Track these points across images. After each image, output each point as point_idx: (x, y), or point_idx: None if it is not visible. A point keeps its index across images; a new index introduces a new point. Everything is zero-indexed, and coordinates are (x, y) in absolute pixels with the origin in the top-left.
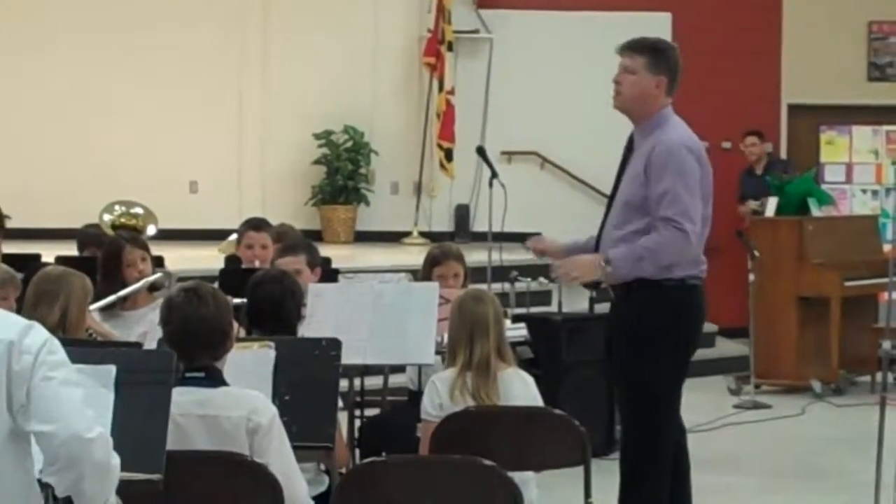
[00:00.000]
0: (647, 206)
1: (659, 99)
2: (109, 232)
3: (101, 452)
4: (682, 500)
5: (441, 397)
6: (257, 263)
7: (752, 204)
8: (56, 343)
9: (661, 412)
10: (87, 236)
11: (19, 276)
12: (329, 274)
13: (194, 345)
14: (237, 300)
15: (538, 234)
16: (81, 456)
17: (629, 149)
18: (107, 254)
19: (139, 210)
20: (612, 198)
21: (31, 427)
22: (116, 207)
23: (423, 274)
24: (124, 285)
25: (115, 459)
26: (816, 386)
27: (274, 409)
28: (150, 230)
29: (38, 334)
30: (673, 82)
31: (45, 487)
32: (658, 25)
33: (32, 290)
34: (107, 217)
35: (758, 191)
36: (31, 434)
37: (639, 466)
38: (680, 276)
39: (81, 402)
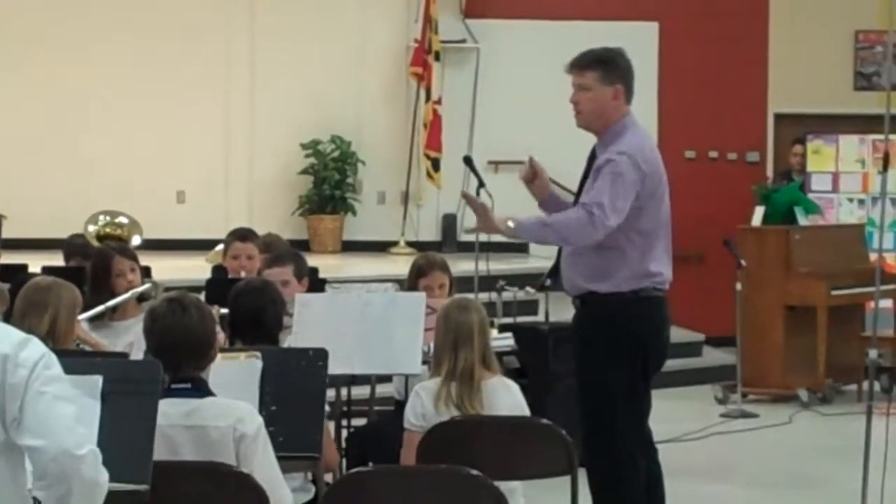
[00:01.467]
0: None
1: (619, 109)
2: (94, 242)
3: (90, 469)
4: None
5: (425, 407)
6: (243, 274)
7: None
8: (53, 358)
9: (616, 423)
10: (73, 246)
11: (6, 286)
12: (316, 284)
13: (178, 355)
14: (224, 310)
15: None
16: (70, 472)
17: (591, 160)
18: (96, 264)
19: (124, 220)
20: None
21: (23, 441)
22: (101, 217)
23: (408, 284)
24: (113, 295)
25: (104, 476)
26: (803, 395)
27: (260, 419)
28: (135, 240)
29: (35, 348)
30: (629, 89)
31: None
32: (645, 35)
33: (21, 301)
34: (91, 228)
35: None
36: (23, 448)
37: (603, 482)
38: (627, 289)
39: (73, 419)
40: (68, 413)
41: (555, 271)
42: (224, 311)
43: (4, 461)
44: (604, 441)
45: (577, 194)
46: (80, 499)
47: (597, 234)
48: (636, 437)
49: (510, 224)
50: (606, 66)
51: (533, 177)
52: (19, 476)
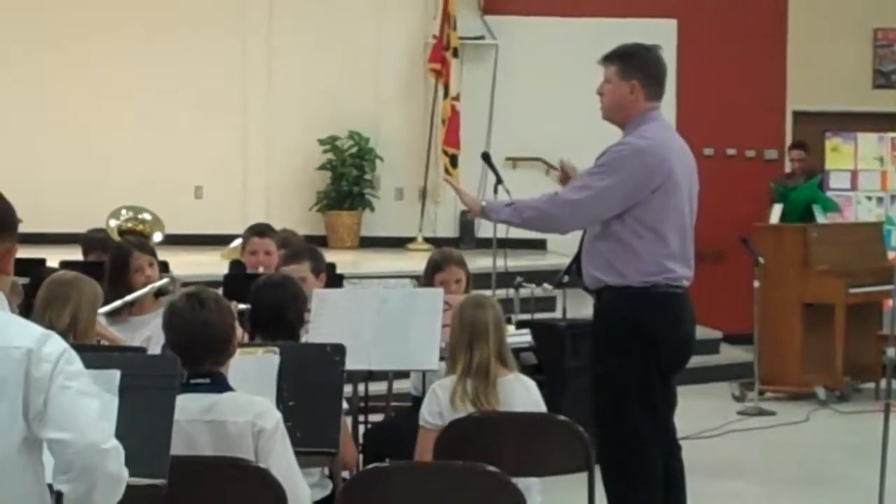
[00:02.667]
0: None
1: (637, 104)
2: (116, 237)
3: (114, 464)
4: None
5: (441, 405)
6: (261, 269)
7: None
8: (73, 353)
9: (629, 419)
10: (92, 241)
11: (23, 280)
12: (334, 279)
13: (197, 350)
14: (242, 305)
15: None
16: (96, 466)
17: None
18: (114, 259)
19: (147, 216)
20: None
21: (46, 434)
22: (123, 212)
23: (424, 280)
24: (131, 290)
25: (126, 472)
26: (821, 393)
27: (278, 415)
28: (157, 237)
29: (57, 343)
30: (651, 85)
31: (53, 494)
32: (663, 32)
33: (44, 293)
34: (113, 222)
35: None
36: (43, 442)
37: (617, 480)
38: (639, 283)
39: (98, 413)
40: (93, 407)
41: (572, 268)
42: (242, 306)
43: (26, 455)
44: (615, 438)
45: None
46: (104, 493)
47: (558, 226)
48: (651, 435)
49: (483, 204)
50: (626, 60)
51: (566, 179)
52: (39, 471)
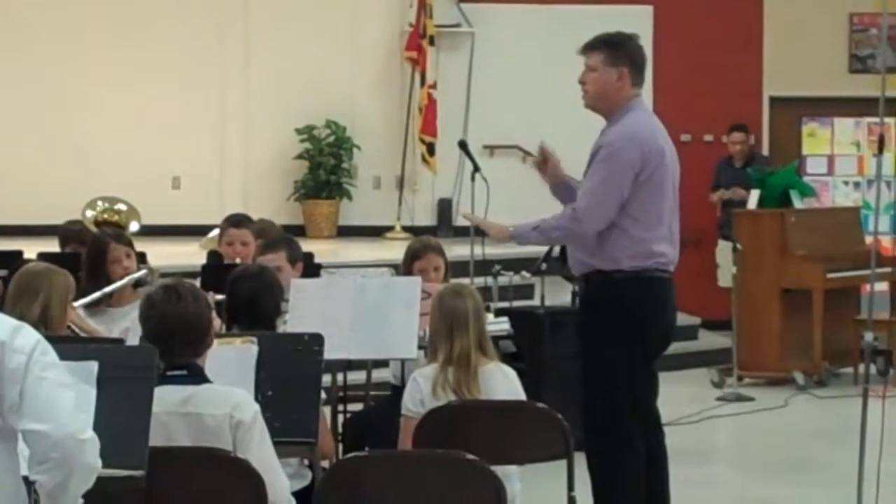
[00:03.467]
0: None
1: (623, 91)
2: (92, 228)
3: (91, 454)
4: (661, 492)
5: (423, 393)
6: (238, 260)
7: (725, 193)
8: (47, 344)
9: (616, 404)
10: (68, 233)
11: (1, 273)
12: (312, 269)
13: (174, 341)
14: (219, 297)
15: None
16: (73, 456)
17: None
18: (92, 250)
19: (122, 206)
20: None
21: (23, 426)
22: (99, 203)
23: (403, 268)
24: (109, 282)
25: (100, 462)
26: (799, 378)
27: (256, 406)
28: (133, 226)
29: (29, 334)
30: (636, 72)
31: (27, 485)
32: (639, 18)
33: (13, 287)
34: (90, 213)
35: (737, 182)
36: (18, 433)
37: (602, 464)
38: (629, 267)
39: (74, 404)
40: (69, 398)
41: (551, 255)
42: (219, 297)
43: (3, 447)
44: (603, 422)
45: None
46: (79, 483)
47: (585, 236)
48: (634, 419)
49: (510, 230)
50: (613, 48)
51: (544, 164)
52: (14, 462)
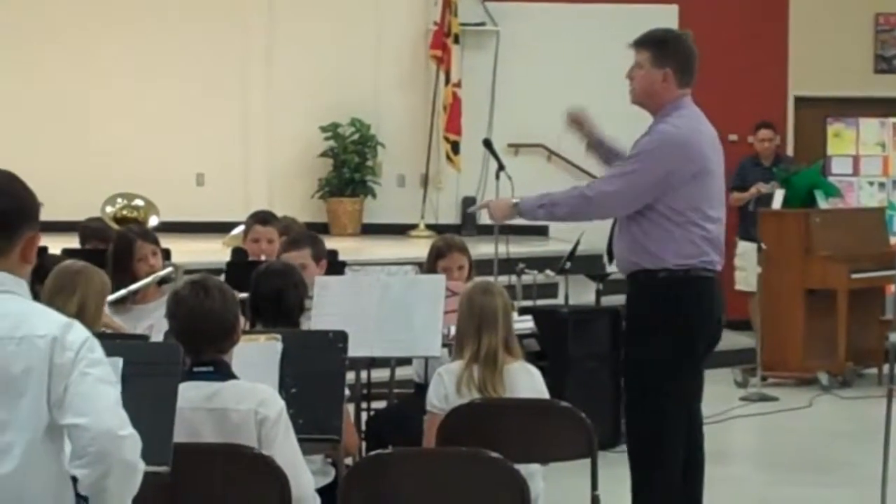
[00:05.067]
0: None
1: (668, 91)
2: (112, 224)
3: (130, 452)
4: (694, 492)
5: (447, 389)
6: (263, 257)
7: (764, 187)
8: (95, 341)
9: (660, 403)
10: (89, 230)
11: None
12: (336, 266)
13: (201, 338)
14: (243, 294)
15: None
16: (111, 451)
17: None
18: (118, 248)
19: (140, 202)
20: None
21: (65, 420)
22: (118, 200)
23: (427, 266)
24: (135, 279)
25: (142, 463)
26: (823, 378)
27: (282, 403)
28: (153, 221)
29: (80, 331)
30: (684, 72)
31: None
32: (665, 17)
33: (51, 282)
34: (109, 209)
35: (765, 181)
36: (64, 429)
37: (642, 461)
38: (675, 265)
39: (116, 401)
40: (111, 395)
41: (573, 254)
42: (243, 295)
43: (50, 443)
44: (647, 421)
45: None
46: (118, 480)
47: (590, 216)
48: (679, 420)
49: (515, 202)
50: (660, 47)
51: (577, 124)
52: (62, 458)
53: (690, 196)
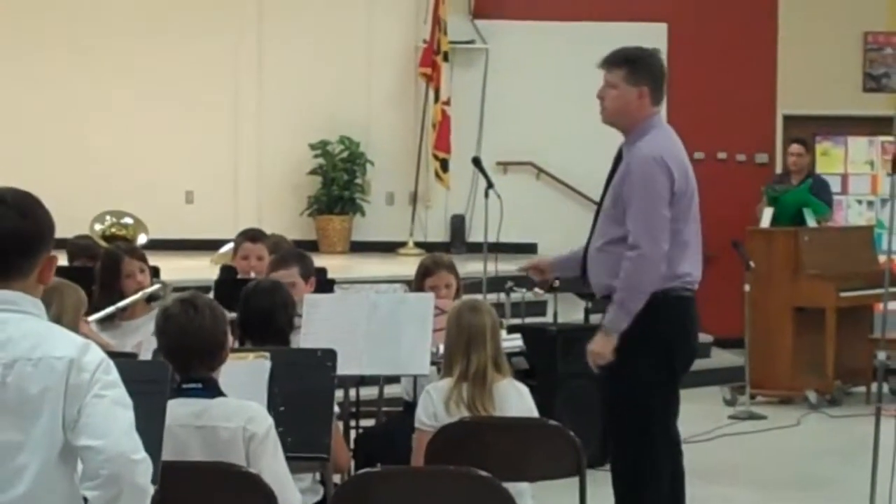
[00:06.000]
0: (622, 217)
1: (643, 109)
2: (101, 242)
3: (142, 476)
4: None
5: (436, 407)
6: (253, 275)
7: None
8: (111, 364)
9: (645, 424)
10: (77, 247)
11: None
12: (325, 284)
13: (190, 355)
14: (231, 314)
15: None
16: (124, 475)
17: (617, 160)
18: (105, 264)
19: (129, 220)
20: (598, 209)
21: (79, 441)
22: (107, 217)
23: (415, 284)
24: (122, 296)
25: (151, 488)
26: (812, 397)
27: (270, 420)
28: (141, 239)
29: (96, 353)
30: (657, 90)
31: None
32: (654, 35)
33: None
34: (98, 227)
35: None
36: (78, 450)
37: (629, 483)
38: (657, 288)
39: (130, 424)
40: (126, 418)
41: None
42: (232, 315)
43: (64, 465)
44: (632, 441)
45: (601, 198)
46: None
47: (656, 269)
48: (663, 439)
49: (611, 333)
50: (634, 65)
51: (539, 274)
52: (74, 479)
53: (675, 215)
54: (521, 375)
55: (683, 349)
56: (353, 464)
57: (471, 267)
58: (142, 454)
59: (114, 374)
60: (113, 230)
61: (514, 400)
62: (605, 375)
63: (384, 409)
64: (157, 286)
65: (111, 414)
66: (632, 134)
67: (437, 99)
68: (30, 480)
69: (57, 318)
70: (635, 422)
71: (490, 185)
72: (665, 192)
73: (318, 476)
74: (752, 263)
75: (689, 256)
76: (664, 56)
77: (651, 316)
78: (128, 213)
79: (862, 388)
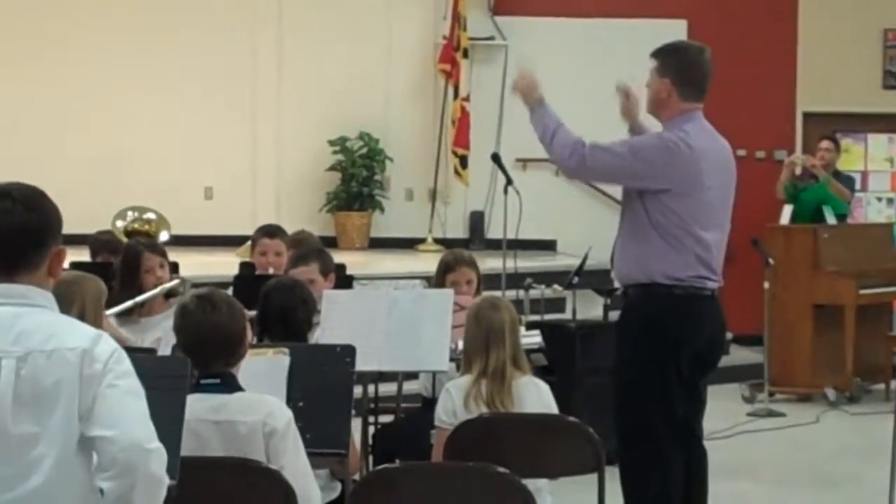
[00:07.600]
0: (635, 194)
1: (672, 103)
2: (122, 238)
3: (157, 465)
4: None
5: (455, 404)
6: (271, 270)
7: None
8: (123, 353)
9: (646, 419)
10: (99, 243)
11: None
12: (344, 280)
13: (208, 352)
14: (251, 312)
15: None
16: (138, 464)
17: None
18: (125, 260)
19: (152, 216)
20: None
21: (93, 432)
22: (129, 213)
23: (436, 280)
24: (141, 291)
25: (167, 477)
26: (831, 394)
27: (290, 414)
28: (163, 236)
29: (108, 343)
30: (684, 84)
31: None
32: (673, 32)
33: None
34: (119, 223)
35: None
36: (91, 441)
37: (632, 479)
38: (664, 282)
39: (144, 414)
40: (139, 407)
41: (581, 269)
42: (251, 313)
43: (80, 455)
44: (634, 436)
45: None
46: (144, 493)
47: (566, 164)
48: (669, 436)
49: (539, 97)
50: (663, 58)
51: (626, 97)
52: (91, 470)
53: (687, 212)
54: (540, 372)
55: (689, 347)
56: (371, 460)
57: (489, 263)
58: (156, 443)
59: (126, 364)
60: (135, 226)
61: (534, 396)
62: (611, 370)
63: (402, 404)
64: (176, 281)
65: (124, 403)
66: (665, 126)
67: (456, 95)
68: (46, 472)
69: (80, 311)
70: (636, 418)
71: (509, 181)
72: (644, 163)
73: (334, 473)
74: (771, 260)
75: (702, 256)
76: None
77: (659, 312)
78: (150, 208)
79: (881, 386)
